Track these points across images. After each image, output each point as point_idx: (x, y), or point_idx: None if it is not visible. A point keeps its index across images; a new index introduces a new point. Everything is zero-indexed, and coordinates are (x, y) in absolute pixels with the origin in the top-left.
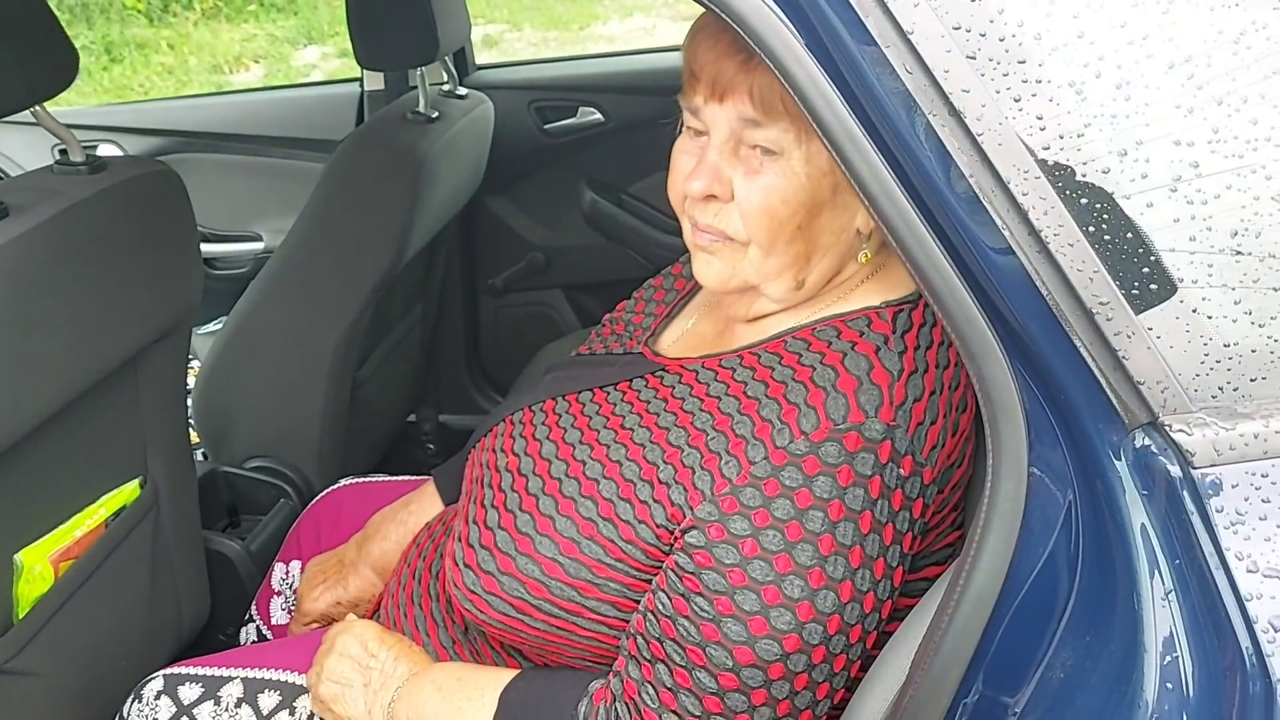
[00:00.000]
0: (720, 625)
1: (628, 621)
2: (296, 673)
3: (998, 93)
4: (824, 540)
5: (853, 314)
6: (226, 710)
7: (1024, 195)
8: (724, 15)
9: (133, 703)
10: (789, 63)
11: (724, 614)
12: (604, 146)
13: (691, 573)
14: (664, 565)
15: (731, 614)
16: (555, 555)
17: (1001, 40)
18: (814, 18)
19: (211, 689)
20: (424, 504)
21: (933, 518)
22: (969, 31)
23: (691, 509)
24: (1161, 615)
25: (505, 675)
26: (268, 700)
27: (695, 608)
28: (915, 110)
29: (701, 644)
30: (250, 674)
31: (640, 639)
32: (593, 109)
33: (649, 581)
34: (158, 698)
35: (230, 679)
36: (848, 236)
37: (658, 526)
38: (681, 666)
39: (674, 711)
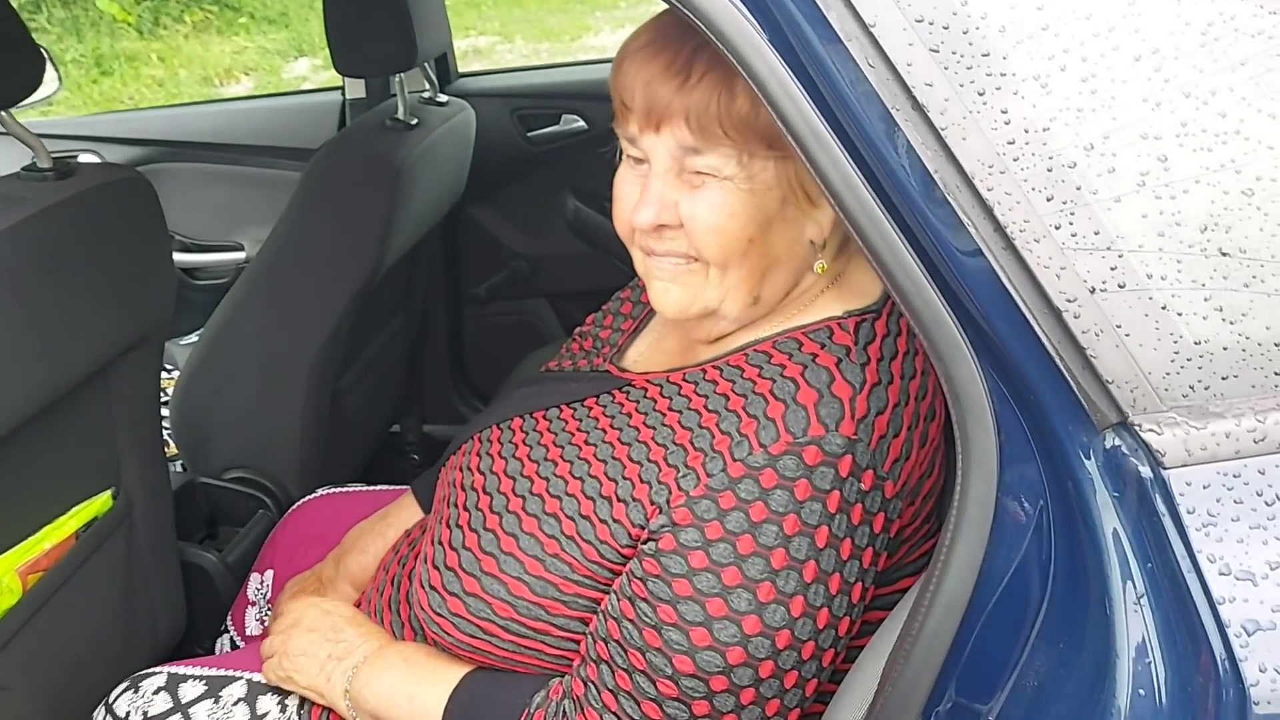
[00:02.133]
0: (661, 632)
1: None
2: (226, 668)
3: (961, 86)
4: (776, 554)
5: (814, 325)
6: (144, 697)
7: (989, 191)
8: (688, 13)
9: (126, 691)
10: (753, 60)
11: (666, 621)
12: (588, 154)
13: (640, 578)
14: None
15: (674, 622)
16: (520, 574)
17: (965, 33)
18: (777, 13)
19: (135, 682)
20: (402, 515)
21: (903, 530)
22: (932, 24)
23: (649, 522)
24: (1134, 620)
25: (453, 671)
26: (189, 689)
27: (639, 611)
28: (879, 106)
29: (642, 648)
30: (176, 669)
31: (590, 638)
32: (576, 116)
33: None
34: (156, 693)
35: (155, 674)
36: (800, 249)
37: (621, 546)
38: (623, 669)
39: (614, 713)
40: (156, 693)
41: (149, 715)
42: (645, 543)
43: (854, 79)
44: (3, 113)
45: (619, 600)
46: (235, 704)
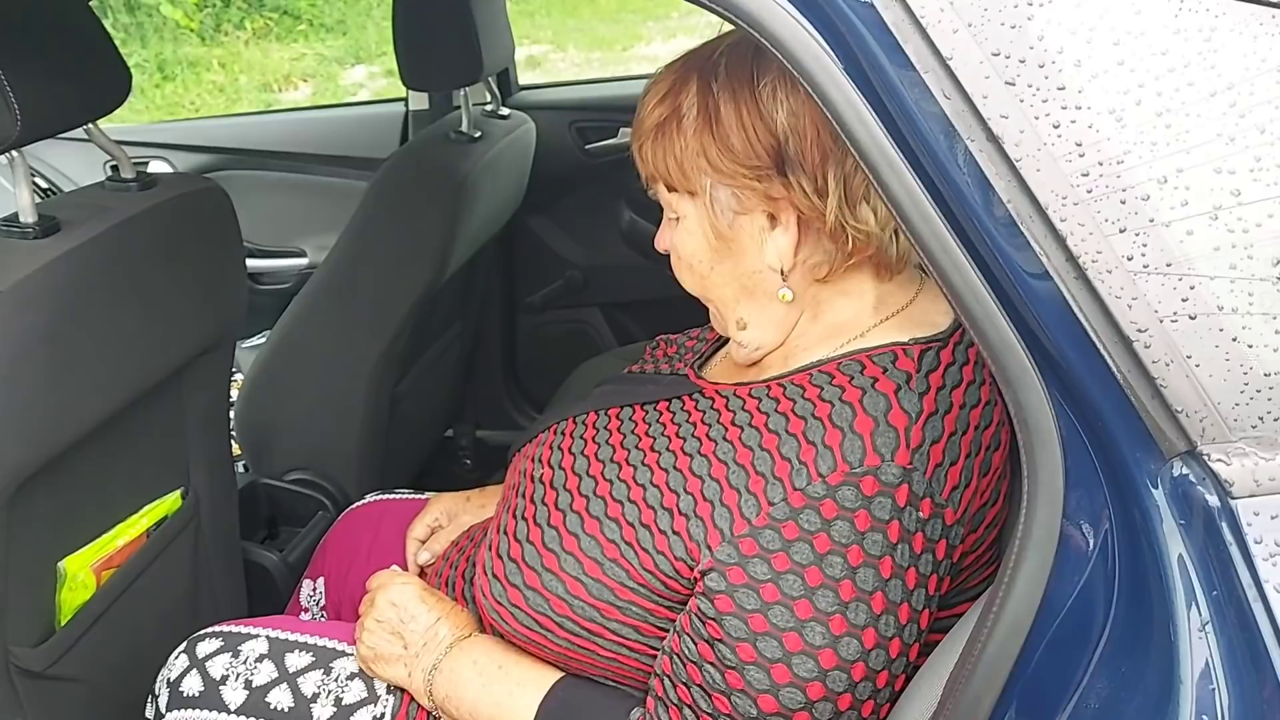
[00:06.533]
0: (744, 673)
1: (649, 645)
2: (330, 639)
3: (1036, 119)
4: (844, 586)
5: (880, 349)
6: (244, 663)
7: (1062, 221)
8: (763, 39)
9: (222, 652)
10: (827, 87)
11: (747, 661)
12: None
13: (713, 618)
14: (686, 606)
15: (754, 661)
16: (579, 574)
17: (1041, 66)
18: (852, 42)
19: (231, 644)
20: None
21: (965, 557)
22: (1008, 58)
23: (710, 549)
24: (1198, 647)
25: (545, 676)
26: (296, 659)
27: (719, 654)
28: (953, 135)
29: (727, 692)
30: (278, 635)
31: (667, 680)
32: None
33: (670, 609)
34: (176, 658)
35: (254, 636)
36: (760, 277)
37: (675, 559)
38: (708, 713)
39: None
40: (260, 660)
41: (253, 683)
42: (708, 574)
43: (929, 110)
44: (90, 124)
45: (695, 643)
46: (258, 660)
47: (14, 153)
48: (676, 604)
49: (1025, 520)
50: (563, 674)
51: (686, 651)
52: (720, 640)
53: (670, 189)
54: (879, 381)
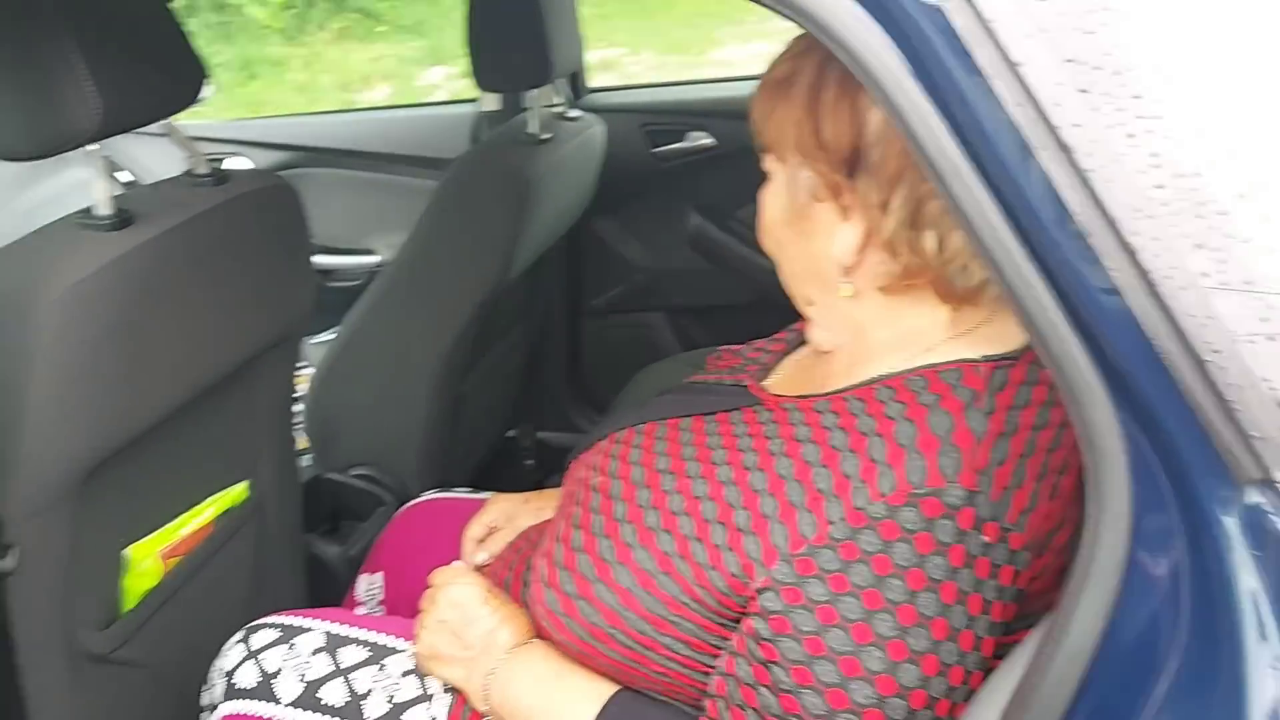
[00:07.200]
0: (799, 697)
1: (700, 662)
2: (385, 634)
3: (1110, 128)
4: (904, 610)
5: (948, 365)
6: (299, 656)
7: (1134, 235)
8: (830, 42)
9: (278, 644)
10: (894, 93)
11: (802, 685)
12: (713, 171)
13: (768, 639)
14: (740, 626)
15: (810, 685)
16: (632, 586)
17: (1117, 74)
18: (921, 48)
19: (287, 635)
20: None
21: (1031, 583)
22: (1083, 64)
23: (766, 567)
24: (1269, 682)
25: (602, 689)
26: (351, 654)
27: (774, 677)
28: (1023, 145)
29: (781, 716)
30: (334, 628)
31: (721, 702)
32: (704, 133)
33: (723, 627)
34: (231, 648)
35: (309, 629)
36: (825, 263)
37: (730, 575)
38: None
39: None
40: (315, 654)
41: (306, 676)
42: (763, 593)
43: (998, 116)
44: (167, 120)
45: (750, 664)
46: (403, 676)
47: (93, 146)
48: (730, 622)
49: (1090, 545)
50: (619, 688)
51: (741, 673)
52: (775, 663)
53: (765, 149)
54: (944, 399)
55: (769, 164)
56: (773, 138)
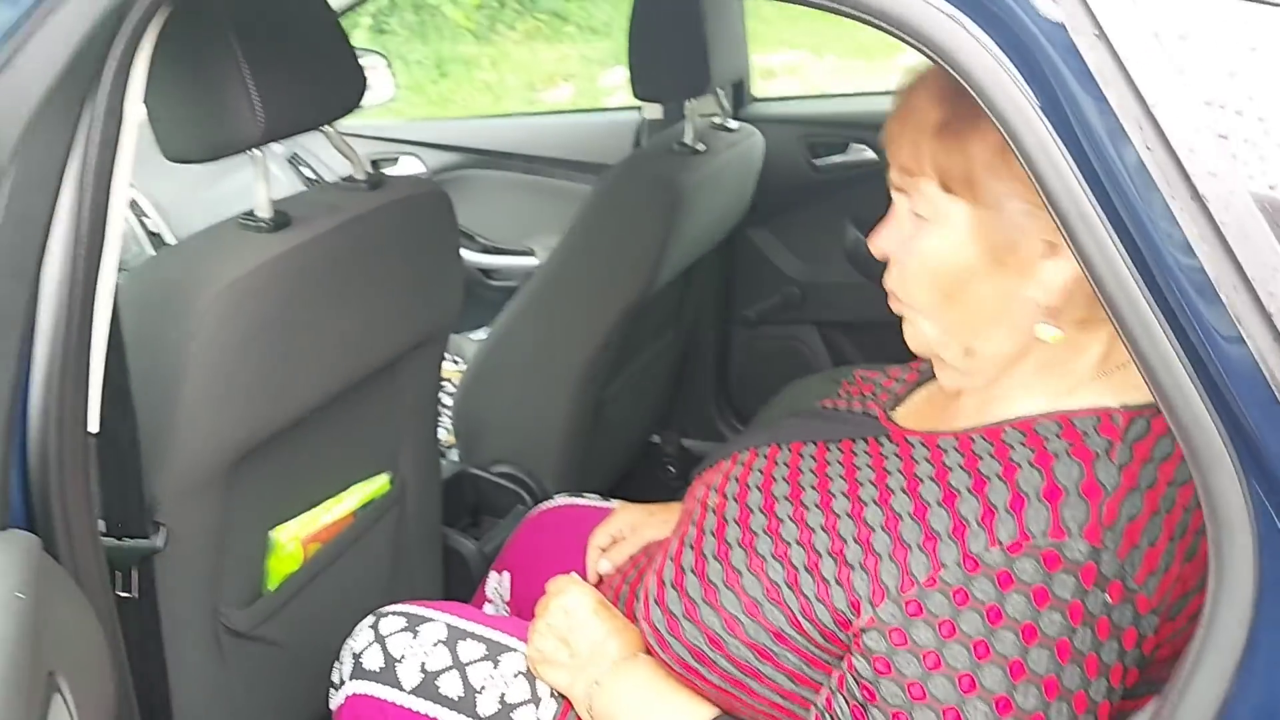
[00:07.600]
0: None
1: (801, 696)
2: (503, 632)
3: (1251, 178)
4: (1014, 665)
5: (1084, 411)
6: (422, 646)
7: (1270, 295)
8: (956, 72)
9: (403, 631)
10: (1020, 129)
11: None
12: (873, 185)
13: (869, 681)
14: (843, 664)
15: None
16: (738, 612)
17: (1261, 120)
18: (1052, 80)
19: (412, 624)
20: None
21: (1158, 649)
22: (1223, 108)
23: (873, 605)
24: None
25: (702, 712)
26: (469, 649)
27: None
28: (1153, 190)
29: None
30: (456, 622)
31: None
32: (865, 146)
33: (827, 663)
34: (361, 630)
35: (433, 620)
36: (1019, 305)
37: (835, 610)
38: None
39: None
40: (436, 645)
41: (426, 666)
42: (867, 632)
43: (1129, 161)
44: (326, 126)
45: (848, 704)
46: (515, 676)
47: (255, 151)
48: (833, 658)
49: (1208, 622)
50: (719, 713)
51: (840, 712)
52: (875, 705)
53: (947, 189)
54: (1075, 447)
55: (941, 207)
56: (959, 177)
